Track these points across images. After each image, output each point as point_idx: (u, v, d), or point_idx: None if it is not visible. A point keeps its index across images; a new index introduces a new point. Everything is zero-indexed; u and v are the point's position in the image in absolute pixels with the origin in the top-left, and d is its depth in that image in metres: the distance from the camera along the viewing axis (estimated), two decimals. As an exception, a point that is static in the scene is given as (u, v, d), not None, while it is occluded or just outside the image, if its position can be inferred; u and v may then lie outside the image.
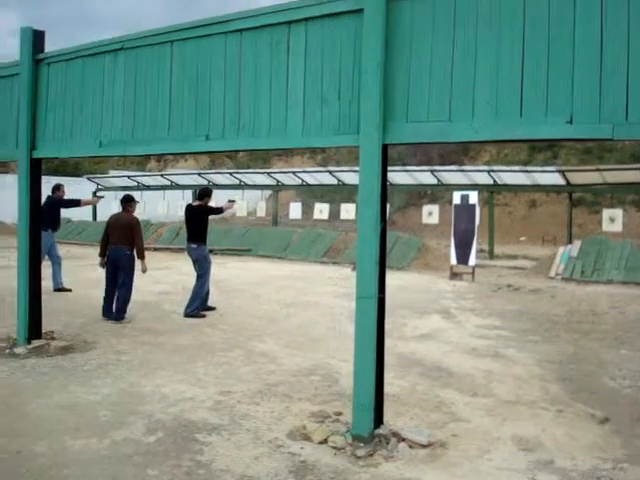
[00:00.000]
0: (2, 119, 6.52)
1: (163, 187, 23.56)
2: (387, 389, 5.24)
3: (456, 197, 12.79)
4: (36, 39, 6.17)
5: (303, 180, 20.52)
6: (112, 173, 29.68)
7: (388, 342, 7.08)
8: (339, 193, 25.76)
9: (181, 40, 5.09)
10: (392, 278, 12.89)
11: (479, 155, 29.08)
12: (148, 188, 23.63)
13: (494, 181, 17.19)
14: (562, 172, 15.95)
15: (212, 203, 8.98)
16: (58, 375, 5.27)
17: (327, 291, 10.90)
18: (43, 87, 6.12)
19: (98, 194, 10.32)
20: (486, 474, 3.62)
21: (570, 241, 16.31)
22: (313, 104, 4.38)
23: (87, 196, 25.50)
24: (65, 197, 10.13)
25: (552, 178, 16.35)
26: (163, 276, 12.20)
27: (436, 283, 12.35)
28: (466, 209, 12.53)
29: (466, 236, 12.51)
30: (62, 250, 18.38)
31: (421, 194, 27.53)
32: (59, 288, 9.81)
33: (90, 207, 23.19)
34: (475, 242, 12.51)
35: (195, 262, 8.24)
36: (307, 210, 20.78)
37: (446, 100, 3.90)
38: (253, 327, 7.62)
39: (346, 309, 9.02)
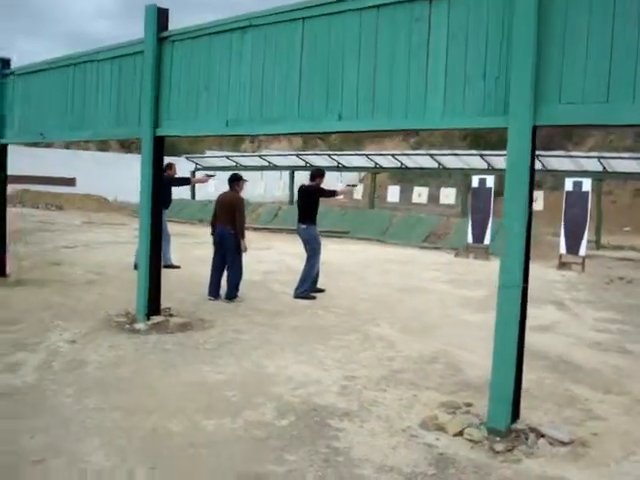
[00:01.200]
0: (125, 97, 6.64)
1: (261, 167, 23.79)
2: (515, 383, 5.03)
3: (568, 184, 12.17)
4: (160, 17, 6.21)
5: (402, 163, 20.18)
6: (208, 153, 30.31)
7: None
8: (436, 177, 25.27)
9: (312, 17, 4.96)
10: (496, 265, 12.42)
11: (584, 140, 27.68)
12: (245, 168, 23.94)
13: (603, 168, 16.25)
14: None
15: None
16: (181, 352, 5.33)
17: (433, 277, 10.64)
18: (167, 65, 6.17)
19: (208, 173, 10.40)
20: (635, 477, 3.37)
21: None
22: (455, 83, 4.16)
23: (185, 175, 26.31)
24: (176, 176, 10.32)
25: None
26: (265, 255, 12.30)
27: (544, 272, 11.80)
28: (578, 197, 11.89)
29: (577, 225, 11.89)
30: (165, 227, 19.20)
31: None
32: (168, 265, 10.02)
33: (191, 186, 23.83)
34: (587, 231, 11.87)
35: (305, 243, 8.19)
36: (404, 193, 20.43)
37: (603, 80, 3.58)
38: (365, 311, 7.50)
39: (456, 296, 8.79)
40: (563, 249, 12.19)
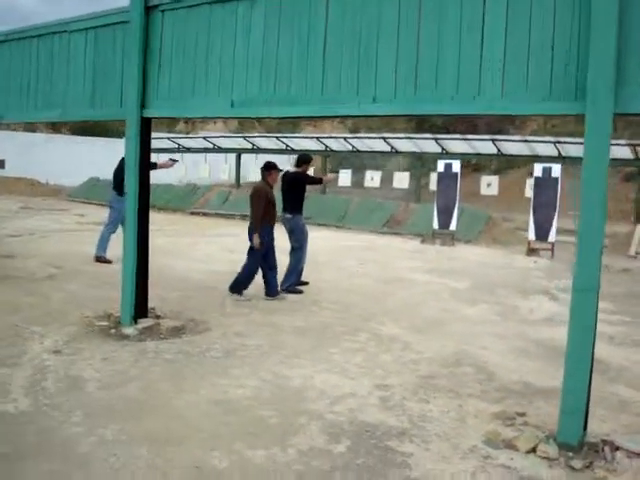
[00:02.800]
0: (103, 75, 5.90)
1: (205, 150, 22.85)
2: (552, 383, 4.72)
3: (537, 169, 12.09)
4: (147, -17, 5.51)
5: (353, 146, 19.79)
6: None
7: (513, 326, 6.59)
8: (384, 160, 25.03)
9: (339, -14, 4.43)
10: (466, 252, 12.39)
11: (525, 125, 28.11)
12: (189, 151, 22.98)
13: (559, 153, 16.39)
14: (633, 146, 15.13)
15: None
16: (187, 363, 4.73)
17: (411, 266, 10.30)
18: (156, 38, 5.48)
19: (171, 157, 9.63)
20: None
21: (637, 218, 15.62)
22: (516, 63, 3.74)
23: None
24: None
25: (620, 152, 15.53)
26: (233, 244, 11.64)
27: (514, 259, 11.73)
28: (547, 182, 11.83)
29: (546, 211, 11.84)
30: (105, 213, 18.04)
31: (463, 162, 26.60)
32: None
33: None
34: (556, 217, 11.84)
35: (290, 234, 7.64)
36: (355, 177, 20.05)
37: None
38: (358, 306, 7.07)
39: (442, 287, 8.50)
40: (532, 235, 12.14)
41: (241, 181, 22.99)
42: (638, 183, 16.12)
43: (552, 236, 11.86)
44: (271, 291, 7.15)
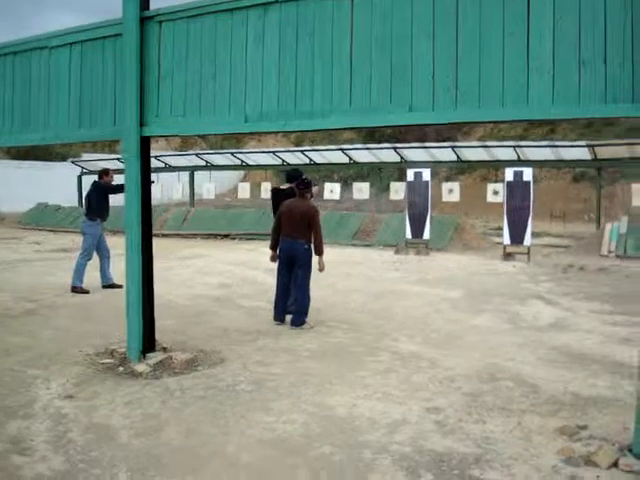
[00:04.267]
0: (92, 92, 5.48)
1: (156, 169, 22.13)
2: (596, 391, 4.60)
3: (509, 174, 12.17)
4: (143, -7, 5.15)
5: (311, 159, 19.59)
6: (95, 156, 27.99)
7: (526, 334, 6.47)
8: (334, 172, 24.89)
9: (363, -13, 4.20)
10: (443, 260, 12.30)
11: (473, 131, 28.61)
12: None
13: (518, 157, 16.63)
14: (591, 147, 15.50)
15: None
16: (221, 400, 4.35)
17: (395, 277, 10.14)
18: (153, 51, 5.12)
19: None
20: None
21: (599, 218, 15.99)
22: (566, 66, 3.60)
23: (73, 181, 24.07)
24: (113, 182, 9.02)
25: (578, 153, 15.91)
26: (205, 266, 11.24)
27: (493, 265, 11.73)
28: (520, 186, 11.91)
29: (520, 215, 11.92)
30: (63, 239, 17.25)
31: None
32: (109, 284, 8.77)
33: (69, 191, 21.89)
34: (530, 221, 11.93)
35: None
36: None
37: None
38: (365, 323, 6.82)
39: (437, 298, 8.36)
40: (507, 240, 12.18)
41: (195, 199, 22.44)
42: (598, 184, 16.45)
43: (527, 240, 11.94)
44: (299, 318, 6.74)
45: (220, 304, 7.82)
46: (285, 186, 7.53)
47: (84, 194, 23.61)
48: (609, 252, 12.39)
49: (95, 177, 9.28)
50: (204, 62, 4.88)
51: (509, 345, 5.97)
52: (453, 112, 3.95)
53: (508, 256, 12.10)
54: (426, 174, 13.20)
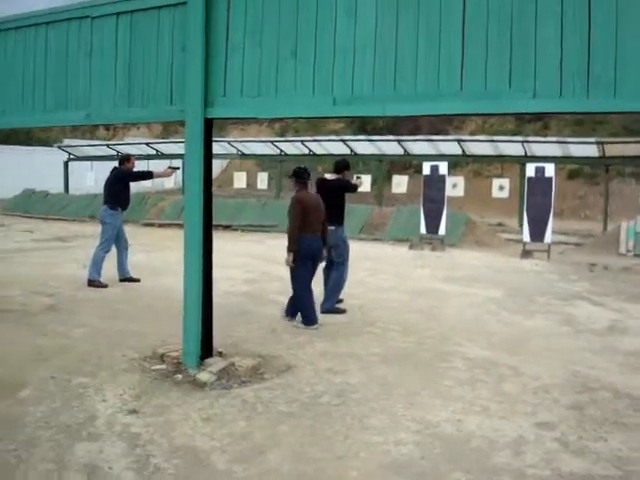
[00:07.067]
0: (143, 67, 4.93)
1: (148, 156, 21.39)
2: None
3: (530, 169, 11.83)
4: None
5: (310, 149, 19.07)
6: (73, 142, 27.03)
7: (591, 338, 6.11)
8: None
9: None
10: (461, 257, 11.89)
11: (464, 125, 28.33)
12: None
13: (525, 152, 16.37)
14: (600, 144, 15.29)
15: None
16: (311, 416, 3.84)
17: (424, 275, 9.72)
18: (221, 22, 4.57)
19: (172, 165, 8.60)
20: None
21: (606, 215, 15.82)
22: None
23: (58, 167, 23.15)
24: (135, 169, 8.41)
25: (588, 150, 15.71)
26: (219, 258, 10.64)
27: (513, 262, 11.38)
28: (541, 182, 11.59)
29: (541, 211, 11.60)
30: (54, 227, 16.47)
31: (407, 165, 26.44)
32: (126, 278, 8.19)
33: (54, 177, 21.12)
34: (551, 218, 11.62)
35: (332, 248, 6.85)
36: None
37: None
38: (417, 325, 6.38)
39: (477, 298, 8.00)
40: (527, 237, 11.87)
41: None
42: (606, 181, 16.27)
43: (548, 237, 11.64)
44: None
45: (254, 301, 7.31)
46: (332, 176, 7.05)
47: (70, 180, 22.87)
48: (627, 251, 12.16)
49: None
50: (282, 35, 4.36)
51: (581, 350, 5.61)
52: (584, 100, 3.50)
53: (527, 254, 11.77)
54: (443, 167, 12.80)
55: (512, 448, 3.49)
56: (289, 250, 6.08)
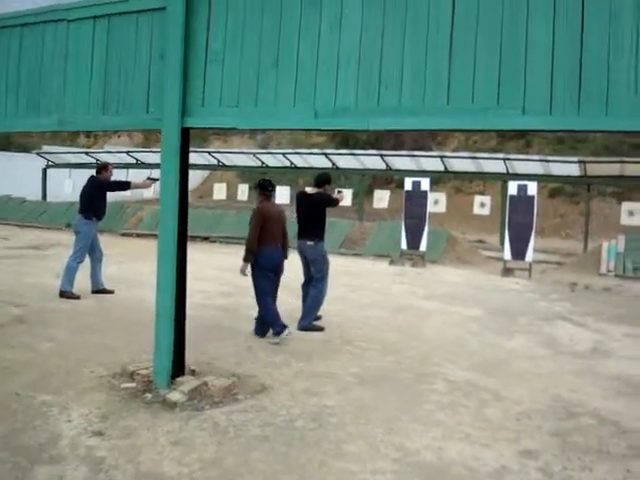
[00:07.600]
0: (120, 74, 4.76)
1: (127, 165, 21.14)
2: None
3: (512, 187, 11.81)
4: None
5: (292, 162, 18.95)
6: (52, 149, 26.63)
7: (574, 361, 6.02)
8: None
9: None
10: (441, 273, 11.79)
11: (447, 141, 28.44)
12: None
13: (507, 170, 16.39)
14: (583, 163, 15.36)
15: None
16: (285, 441, 3.65)
17: (405, 291, 9.61)
18: (201, 29, 4.43)
19: (151, 176, 8.40)
20: None
21: (587, 234, 15.86)
22: None
23: (36, 173, 22.77)
24: (112, 178, 8.20)
25: (569, 169, 15.77)
26: (194, 270, 10.43)
27: (494, 280, 11.32)
28: (523, 200, 11.57)
29: (523, 229, 11.56)
30: (30, 235, 16.12)
31: (388, 179, 26.38)
32: (100, 289, 7.97)
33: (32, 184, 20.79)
34: (533, 236, 11.59)
35: (311, 264, 6.71)
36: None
37: None
38: (397, 344, 6.25)
39: (458, 316, 7.88)
40: (507, 255, 11.82)
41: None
42: (587, 201, 16.34)
43: (529, 256, 11.60)
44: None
45: (229, 315, 7.14)
46: (313, 190, 6.91)
47: (48, 187, 22.48)
48: (608, 271, 12.16)
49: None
50: (264, 45, 4.22)
51: (563, 373, 5.51)
52: (575, 118, 3.39)
53: (507, 272, 11.72)
54: (425, 183, 12.74)
55: (494, 478, 3.36)
56: (244, 260, 6.10)
